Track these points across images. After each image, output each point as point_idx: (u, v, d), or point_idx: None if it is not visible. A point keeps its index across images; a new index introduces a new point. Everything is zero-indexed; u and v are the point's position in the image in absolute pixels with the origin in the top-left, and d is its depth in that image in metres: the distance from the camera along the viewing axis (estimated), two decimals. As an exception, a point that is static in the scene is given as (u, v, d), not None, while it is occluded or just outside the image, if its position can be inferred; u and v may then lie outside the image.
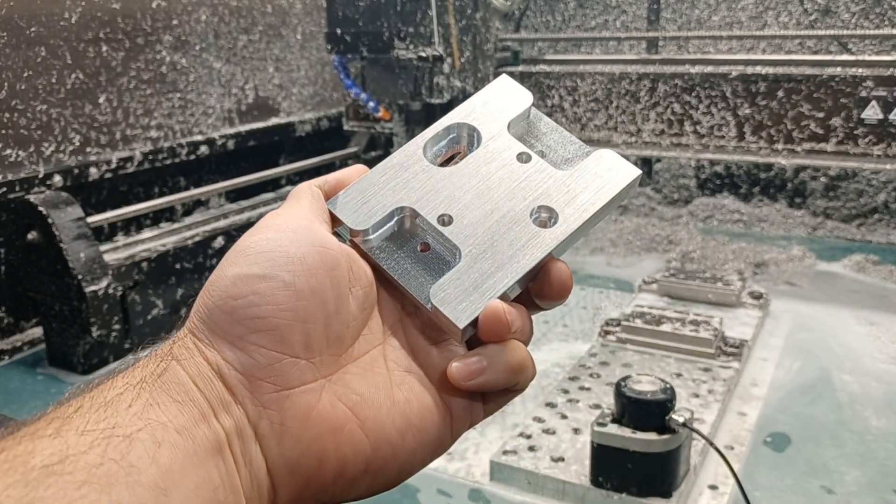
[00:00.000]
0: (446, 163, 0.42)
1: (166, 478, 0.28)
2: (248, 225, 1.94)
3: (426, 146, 0.41)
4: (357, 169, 0.41)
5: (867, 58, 1.86)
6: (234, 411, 0.32)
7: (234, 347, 0.32)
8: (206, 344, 0.33)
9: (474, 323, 0.36)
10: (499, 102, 0.43)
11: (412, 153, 0.40)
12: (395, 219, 0.39)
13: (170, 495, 0.28)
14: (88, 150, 1.67)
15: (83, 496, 0.26)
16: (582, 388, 1.22)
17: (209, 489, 0.29)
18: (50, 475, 0.26)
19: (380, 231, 0.38)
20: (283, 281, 0.33)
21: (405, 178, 0.39)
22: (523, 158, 0.41)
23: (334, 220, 0.38)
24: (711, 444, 0.96)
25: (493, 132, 0.41)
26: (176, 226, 1.72)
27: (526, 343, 0.38)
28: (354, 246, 0.38)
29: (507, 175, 0.40)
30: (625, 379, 0.96)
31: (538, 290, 0.38)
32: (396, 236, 0.39)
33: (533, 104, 0.44)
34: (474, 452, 1.10)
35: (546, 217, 0.39)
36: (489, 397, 0.38)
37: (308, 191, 0.39)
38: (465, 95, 2.06)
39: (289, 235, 0.34)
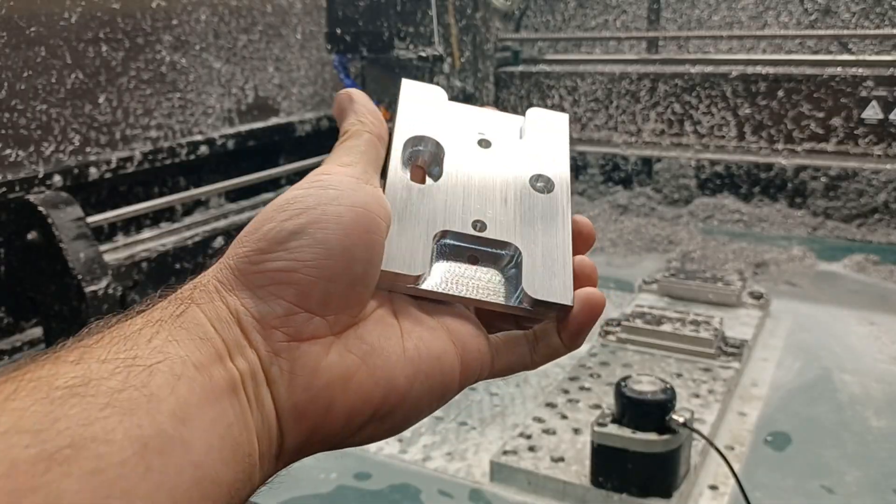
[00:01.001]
0: (421, 175, 0.41)
1: (184, 409, 0.29)
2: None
3: (401, 171, 0.40)
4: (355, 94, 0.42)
5: (867, 58, 1.86)
6: (249, 355, 0.33)
7: (254, 296, 0.33)
8: (228, 290, 0.34)
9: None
10: (424, 103, 0.43)
11: (400, 184, 0.39)
12: (436, 245, 0.38)
13: (187, 425, 0.29)
14: (88, 149, 1.67)
15: (106, 417, 0.27)
16: (582, 389, 1.22)
17: (224, 424, 0.31)
18: (74, 396, 0.27)
19: (430, 266, 0.37)
20: (314, 238, 0.34)
21: (416, 209, 0.39)
22: (484, 144, 0.42)
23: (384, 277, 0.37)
24: (711, 444, 0.96)
25: (444, 132, 0.42)
26: (176, 226, 1.71)
27: None
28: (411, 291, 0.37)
29: (487, 164, 0.41)
30: (625, 379, 0.96)
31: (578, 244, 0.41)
32: (443, 262, 0.38)
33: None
34: (474, 453, 1.10)
35: (543, 185, 0.41)
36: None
37: (365, 140, 0.40)
38: (465, 95, 2.06)
39: (330, 193, 0.35)
